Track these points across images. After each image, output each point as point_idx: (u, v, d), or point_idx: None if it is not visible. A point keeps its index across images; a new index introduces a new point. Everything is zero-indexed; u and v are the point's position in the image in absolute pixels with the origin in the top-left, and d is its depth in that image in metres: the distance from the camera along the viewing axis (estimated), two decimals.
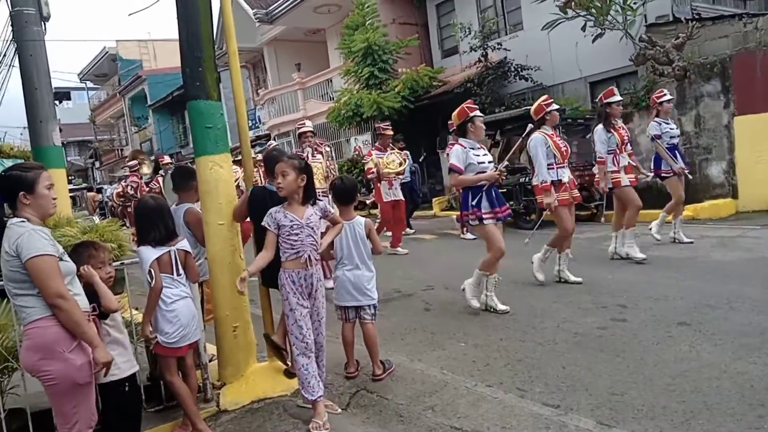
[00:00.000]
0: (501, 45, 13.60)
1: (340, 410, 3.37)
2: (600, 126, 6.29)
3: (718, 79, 9.53)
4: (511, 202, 10.07)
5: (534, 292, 5.53)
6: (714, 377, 3.25)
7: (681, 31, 9.90)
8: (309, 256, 3.21)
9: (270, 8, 18.33)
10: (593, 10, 10.11)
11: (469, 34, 13.66)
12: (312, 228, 3.23)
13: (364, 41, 14.45)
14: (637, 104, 10.62)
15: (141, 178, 10.55)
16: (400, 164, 8.75)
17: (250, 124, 22.73)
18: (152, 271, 3.06)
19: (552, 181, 5.50)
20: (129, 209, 10.43)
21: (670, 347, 3.77)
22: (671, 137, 6.91)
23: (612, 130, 6.22)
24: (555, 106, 5.70)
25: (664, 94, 7.05)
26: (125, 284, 3.78)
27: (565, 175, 5.62)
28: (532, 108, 5.81)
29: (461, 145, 4.88)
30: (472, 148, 4.89)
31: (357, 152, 14.62)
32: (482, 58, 13.54)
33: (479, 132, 4.96)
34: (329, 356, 3.89)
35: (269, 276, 3.53)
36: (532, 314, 4.80)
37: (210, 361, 3.76)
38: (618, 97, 6.33)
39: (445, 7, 16.16)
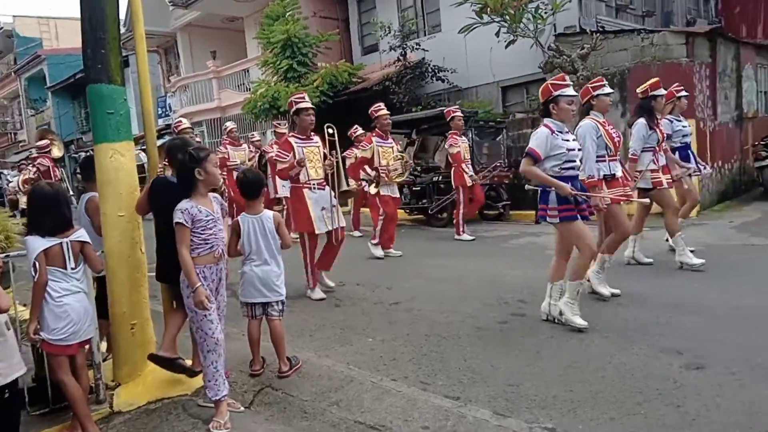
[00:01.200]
0: (420, 45, 13.83)
1: (242, 408, 3.31)
2: (642, 120, 5.63)
3: (617, 90, 10.19)
4: (424, 201, 10.34)
5: (441, 288, 5.69)
6: (600, 368, 3.49)
7: (586, 42, 10.49)
8: (222, 250, 3.19)
9: None
10: (507, 17, 10.50)
11: (389, 32, 13.79)
12: (221, 220, 3.20)
13: (283, 33, 14.21)
14: None
15: (53, 160, 9.66)
16: (401, 174, 7.58)
17: (161, 112, 21.75)
18: (37, 263, 2.87)
19: (604, 175, 4.84)
20: None
21: (563, 341, 4.01)
22: (683, 135, 6.32)
23: (654, 127, 5.65)
24: (607, 90, 5.04)
25: (682, 88, 6.38)
26: (10, 278, 3.53)
27: (618, 168, 5.01)
28: (580, 92, 5.03)
29: (548, 127, 4.17)
30: (560, 132, 4.19)
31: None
32: (401, 58, 13.71)
33: (563, 114, 4.22)
34: (234, 353, 3.84)
35: (167, 270, 3.40)
36: (438, 310, 4.93)
37: (104, 360, 3.58)
38: (663, 91, 5.76)
39: (367, 3, 16.22)
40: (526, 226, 9.05)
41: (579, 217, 4.17)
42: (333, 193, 5.66)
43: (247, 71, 17.92)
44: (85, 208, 3.91)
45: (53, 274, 2.94)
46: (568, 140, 4.21)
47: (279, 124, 9.85)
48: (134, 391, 3.44)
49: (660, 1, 14.95)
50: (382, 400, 3.27)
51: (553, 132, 4.16)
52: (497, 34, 10.87)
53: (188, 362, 3.56)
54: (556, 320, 4.32)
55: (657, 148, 5.66)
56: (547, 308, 4.41)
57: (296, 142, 5.53)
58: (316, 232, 5.53)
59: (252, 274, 3.65)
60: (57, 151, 10.10)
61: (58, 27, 32.12)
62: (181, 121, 8.10)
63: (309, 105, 5.65)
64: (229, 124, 10.77)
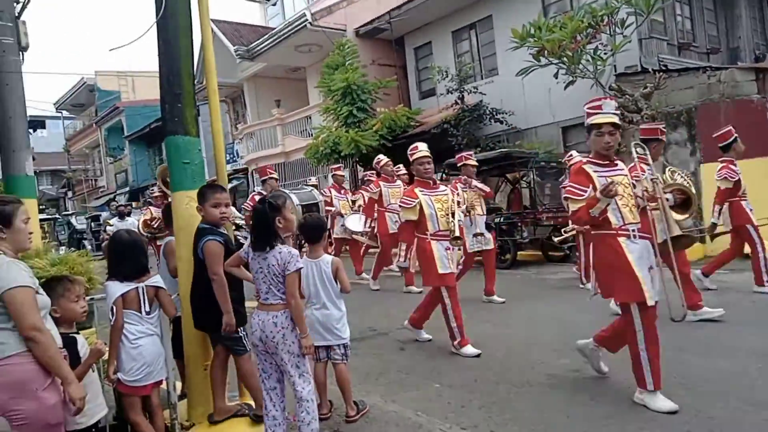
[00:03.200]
0: (477, 89, 13.95)
1: None
2: None
3: (684, 128, 9.89)
4: None
5: (507, 333, 5.54)
6: (685, 422, 3.27)
7: (649, 81, 10.30)
8: None
9: (251, 45, 18.57)
10: (565, 59, 10.47)
11: (446, 77, 14.01)
12: None
13: (343, 81, 14.68)
14: None
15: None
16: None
17: (228, 158, 22.70)
18: (114, 307, 3.02)
19: None
20: (159, 241, 8.54)
21: None
22: None
23: None
24: None
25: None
26: (94, 319, 3.71)
27: None
28: None
29: None
30: None
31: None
32: (459, 101, 13.86)
33: None
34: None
35: (203, 317, 3.52)
36: (506, 355, 4.80)
37: (180, 399, 3.66)
38: None
39: (424, 50, 16.59)
40: None
41: None
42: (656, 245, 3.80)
43: (310, 118, 18.55)
44: (164, 251, 4.13)
45: (129, 318, 3.09)
46: None
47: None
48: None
49: (725, 38, 14.56)
50: None
51: None
52: (556, 75, 10.84)
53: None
54: None
55: None
56: None
57: (595, 171, 3.69)
58: (649, 303, 3.50)
59: (313, 318, 3.67)
60: None
61: (134, 81, 34.43)
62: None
63: (606, 121, 3.63)
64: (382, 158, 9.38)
